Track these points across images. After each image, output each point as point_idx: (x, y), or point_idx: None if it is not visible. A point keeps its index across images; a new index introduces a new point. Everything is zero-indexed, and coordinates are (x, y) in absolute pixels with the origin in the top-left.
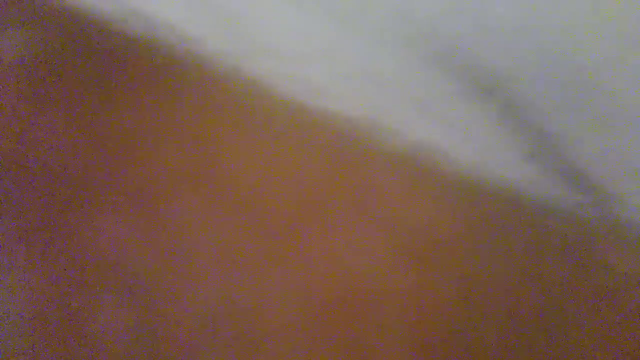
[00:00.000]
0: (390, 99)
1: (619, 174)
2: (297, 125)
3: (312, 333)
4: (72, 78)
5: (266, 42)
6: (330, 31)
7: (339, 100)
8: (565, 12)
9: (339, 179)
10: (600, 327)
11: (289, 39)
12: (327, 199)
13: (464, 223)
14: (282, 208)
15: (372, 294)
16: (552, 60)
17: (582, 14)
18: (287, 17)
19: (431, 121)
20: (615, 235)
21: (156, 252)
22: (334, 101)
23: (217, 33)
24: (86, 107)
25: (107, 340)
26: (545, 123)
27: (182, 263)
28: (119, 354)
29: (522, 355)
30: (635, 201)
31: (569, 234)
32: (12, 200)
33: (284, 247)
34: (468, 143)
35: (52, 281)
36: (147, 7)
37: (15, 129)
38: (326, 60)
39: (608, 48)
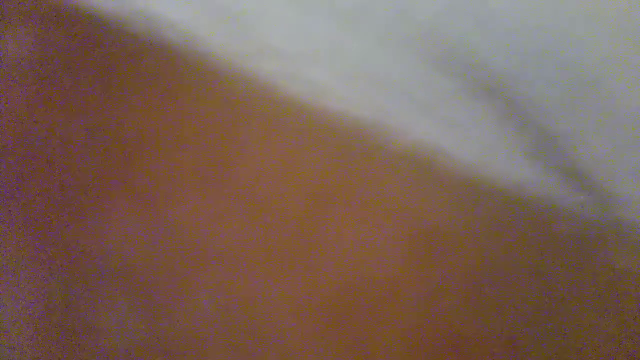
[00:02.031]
0: (393, 99)
1: (620, 173)
2: (299, 125)
3: (321, 331)
4: (75, 77)
5: (269, 42)
6: (332, 31)
7: (341, 100)
8: (567, 11)
9: (342, 178)
10: (601, 326)
11: (292, 40)
12: (331, 198)
13: (466, 222)
14: (286, 207)
15: (376, 291)
16: (554, 59)
17: (584, 13)
18: (290, 18)
19: (433, 121)
20: (617, 235)
21: (162, 253)
22: (337, 101)
23: (220, 33)
24: (90, 106)
25: (112, 342)
26: (547, 122)
27: (188, 264)
28: (124, 355)
29: (522, 353)
30: (637, 201)
31: (571, 233)
32: (15, 199)
33: (290, 247)
34: (470, 142)
35: (56, 282)
36: (151, 6)
37: (18, 128)
38: (329, 60)
39: (610, 47)
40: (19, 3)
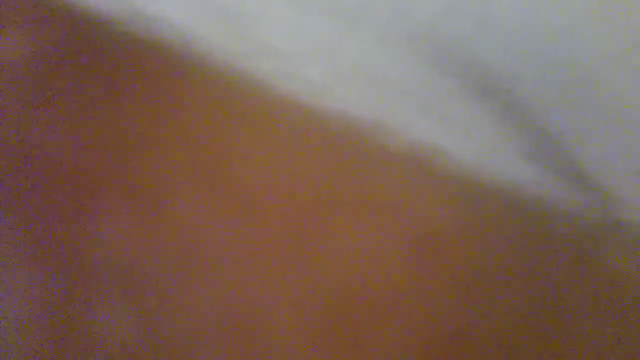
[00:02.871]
0: (391, 98)
1: (620, 174)
2: (298, 124)
3: (320, 333)
4: (74, 78)
5: (268, 42)
6: (331, 31)
7: (340, 100)
8: (567, 11)
9: (340, 178)
10: (600, 326)
11: (291, 39)
12: (329, 198)
13: (464, 222)
14: (284, 207)
15: (375, 291)
16: (553, 59)
17: (584, 13)
18: (289, 18)
19: (432, 121)
20: (616, 236)
21: (160, 253)
22: (336, 101)
23: (219, 33)
24: (88, 106)
25: (109, 342)
26: (546, 122)
27: (186, 264)
28: (123, 355)
29: (521, 354)
30: (637, 201)
31: (570, 233)
32: (13, 199)
33: (287, 247)
34: (469, 142)
35: (54, 282)
36: (149, 6)
37: (16, 129)
38: (327, 60)
39: (610, 47)
40: (16, 3)
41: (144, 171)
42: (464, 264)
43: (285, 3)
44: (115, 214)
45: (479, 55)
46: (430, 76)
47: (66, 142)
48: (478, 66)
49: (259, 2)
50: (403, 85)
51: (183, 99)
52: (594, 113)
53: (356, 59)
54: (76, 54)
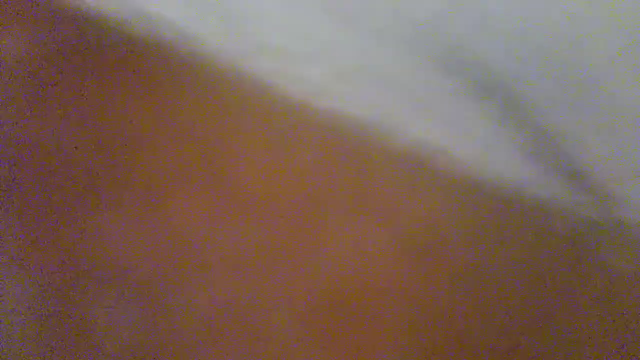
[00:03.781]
0: (391, 98)
1: (620, 173)
2: (297, 124)
3: (318, 332)
4: (73, 78)
5: (267, 41)
6: (331, 31)
7: (340, 100)
8: (567, 11)
9: (340, 178)
10: (600, 327)
11: (290, 39)
12: (329, 197)
13: (464, 222)
14: (283, 207)
15: (375, 292)
16: (553, 59)
17: (584, 13)
18: (288, 17)
19: (432, 120)
20: (616, 235)
21: (159, 251)
22: (335, 100)
23: (218, 32)
24: (88, 106)
25: (108, 341)
26: (546, 122)
27: (184, 264)
28: (120, 354)
29: (521, 355)
30: (637, 201)
31: (570, 233)
32: (12, 198)
33: (286, 246)
34: (468, 142)
35: (53, 280)
36: (149, 6)
37: (16, 128)
38: (327, 59)
39: (610, 47)
40: (16, 3)
41: (141, 172)
42: (464, 263)
43: (285, 3)
44: (113, 215)
45: (479, 55)
46: (430, 76)
47: (65, 141)
48: (478, 66)
49: (259, 2)
50: (403, 85)
51: (182, 98)
52: (594, 113)
53: (356, 59)
54: (76, 54)
